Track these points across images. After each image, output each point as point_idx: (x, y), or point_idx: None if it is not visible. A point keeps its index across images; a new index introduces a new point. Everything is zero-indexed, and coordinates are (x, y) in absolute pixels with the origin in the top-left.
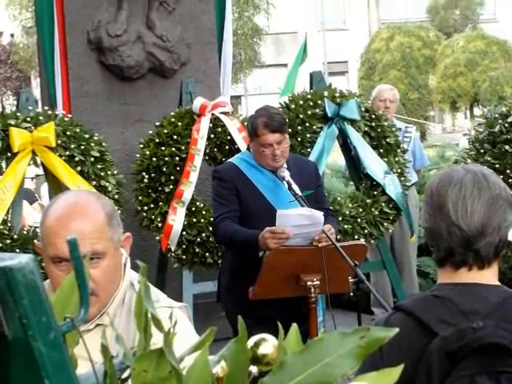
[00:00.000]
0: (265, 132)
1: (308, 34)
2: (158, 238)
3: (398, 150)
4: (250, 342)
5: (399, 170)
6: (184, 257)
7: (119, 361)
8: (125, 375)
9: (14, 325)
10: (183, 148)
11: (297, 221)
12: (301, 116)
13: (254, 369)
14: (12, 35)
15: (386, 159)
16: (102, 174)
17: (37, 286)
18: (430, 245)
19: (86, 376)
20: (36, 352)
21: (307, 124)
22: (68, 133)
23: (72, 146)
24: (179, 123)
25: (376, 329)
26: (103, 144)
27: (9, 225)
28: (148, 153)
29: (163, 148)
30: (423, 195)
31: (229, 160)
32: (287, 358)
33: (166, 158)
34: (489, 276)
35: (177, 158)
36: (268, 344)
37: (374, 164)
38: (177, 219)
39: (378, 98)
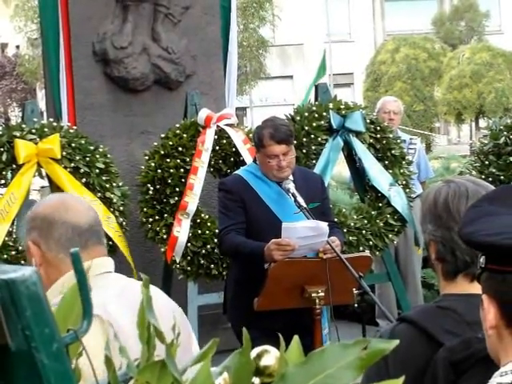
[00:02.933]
0: (271, 143)
1: (314, 46)
2: (162, 249)
3: (403, 162)
4: (253, 354)
5: (404, 182)
6: (189, 268)
7: (123, 372)
8: None
9: (16, 336)
10: (188, 160)
11: (302, 233)
12: (306, 128)
13: (256, 380)
14: (17, 47)
15: (390, 171)
16: (107, 185)
17: (40, 298)
18: (439, 257)
19: None
20: (39, 364)
21: (312, 136)
22: (73, 144)
23: (77, 157)
24: (184, 135)
25: (377, 340)
26: (108, 156)
27: (14, 236)
28: (153, 164)
29: (168, 160)
30: (425, 207)
31: (235, 172)
32: (289, 369)
33: (171, 170)
34: None
35: (182, 170)
36: (270, 355)
37: (378, 176)
38: (182, 231)
39: (382, 109)
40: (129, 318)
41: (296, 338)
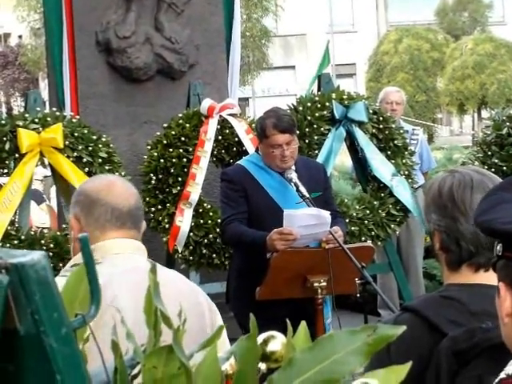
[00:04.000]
0: (274, 132)
1: (316, 37)
2: (165, 239)
3: (406, 152)
4: (259, 340)
5: (406, 172)
6: (191, 258)
7: (129, 357)
8: (135, 371)
9: (25, 321)
10: (191, 149)
11: (304, 221)
12: (308, 118)
13: (262, 366)
14: (20, 37)
15: (393, 161)
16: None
17: (49, 283)
18: (443, 247)
19: (97, 372)
20: (48, 347)
21: (315, 126)
22: (76, 134)
23: (80, 147)
24: (187, 125)
25: (384, 326)
26: (111, 145)
27: (16, 225)
28: (156, 154)
29: (171, 149)
30: (429, 197)
31: (237, 162)
32: (296, 354)
33: (174, 160)
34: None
35: (184, 160)
36: (276, 341)
37: (381, 166)
38: (184, 220)
39: (384, 100)
40: (127, 299)
41: (303, 323)
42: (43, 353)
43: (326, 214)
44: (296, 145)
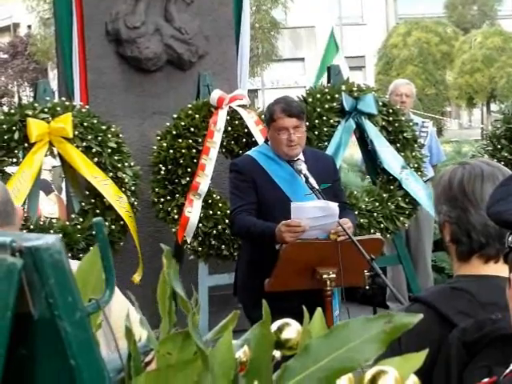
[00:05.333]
0: (281, 116)
1: (325, 29)
2: (174, 229)
3: (415, 145)
4: (274, 327)
5: (416, 165)
6: (200, 249)
7: (143, 343)
8: (148, 358)
9: (40, 305)
10: (200, 140)
11: (312, 213)
12: (318, 110)
13: (277, 353)
14: (29, 26)
15: (402, 154)
16: (119, 165)
17: (63, 266)
18: (453, 238)
19: (111, 358)
20: (62, 332)
21: (324, 118)
22: (85, 124)
23: (89, 137)
24: (196, 115)
25: (400, 314)
26: (120, 135)
27: (25, 215)
28: (165, 145)
29: (180, 140)
30: (440, 189)
31: (246, 153)
32: (312, 341)
33: (183, 150)
34: (506, 269)
35: (194, 151)
36: (291, 328)
37: (390, 158)
38: (193, 211)
39: (394, 92)
40: None
41: (319, 310)
42: (57, 337)
43: (334, 206)
44: (304, 131)
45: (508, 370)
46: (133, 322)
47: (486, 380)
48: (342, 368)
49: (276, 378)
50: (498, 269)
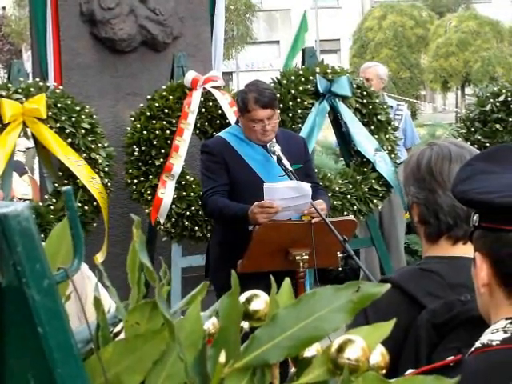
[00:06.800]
0: (256, 107)
1: (301, 12)
2: (147, 211)
3: (389, 128)
4: (242, 298)
5: (390, 148)
6: (173, 230)
7: (112, 314)
8: (117, 329)
9: (8, 272)
10: (174, 122)
11: (284, 194)
12: (292, 92)
13: (245, 324)
14: (4, 8)
15: (376, 136)
16: (93, 146)
17: (32, 234)
18: (421, 220)
19: (79, 330)
20: (30, 299)
21: (298, 100)
22: (59, 105)
23: (63, 117)
24: (170, 97)
25: (368, 284)
26: (94, 116)
27: None
28: (139, 126)
29: (154, 121)
30: (408, 170)
31: (218, 134)
32: (279, 311)
33: (157, 132)
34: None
35: (167, 132)
36: (260, 300)
37: (364, 141)
38: (166, 192)
39: (361, 75)
40: None
41: (287, 280)
42: (25, 305)
43: (307, 186)
44: (277, 119)
45: (473, 348)
46: (102, 295)
47: (451, 358)
48: (310, 337)
49: (243, 349)
50: (467, 250)
